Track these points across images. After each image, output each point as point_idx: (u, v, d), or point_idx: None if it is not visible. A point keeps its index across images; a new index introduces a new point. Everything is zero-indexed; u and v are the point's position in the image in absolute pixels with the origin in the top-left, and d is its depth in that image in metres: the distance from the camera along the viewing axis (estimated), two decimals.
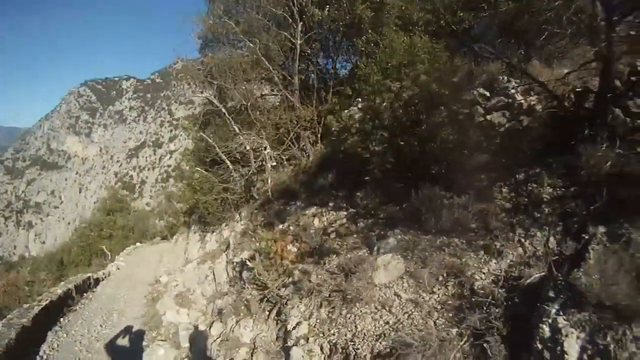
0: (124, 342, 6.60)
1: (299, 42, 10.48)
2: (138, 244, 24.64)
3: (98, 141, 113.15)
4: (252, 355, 3.96)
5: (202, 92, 11.90)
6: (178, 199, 15.52)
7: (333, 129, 7.00)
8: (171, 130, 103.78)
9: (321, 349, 3.03)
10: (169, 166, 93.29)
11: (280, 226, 4.88)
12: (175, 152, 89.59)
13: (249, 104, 10.13)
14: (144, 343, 6.43)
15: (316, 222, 4.90)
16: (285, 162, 8.37)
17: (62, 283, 10.80)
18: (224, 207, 9.78)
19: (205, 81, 11.56)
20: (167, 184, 77.51)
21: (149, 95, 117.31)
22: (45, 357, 6.33)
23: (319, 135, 10.18)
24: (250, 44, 10.64)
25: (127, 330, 6.94)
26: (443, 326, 2.65)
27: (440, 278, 3.06)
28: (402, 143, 4.88)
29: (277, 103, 11.51)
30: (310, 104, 10.81)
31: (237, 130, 9.74)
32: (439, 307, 2.85)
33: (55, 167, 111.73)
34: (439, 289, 2.99)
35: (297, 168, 8.09)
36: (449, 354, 2.38)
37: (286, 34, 10.76)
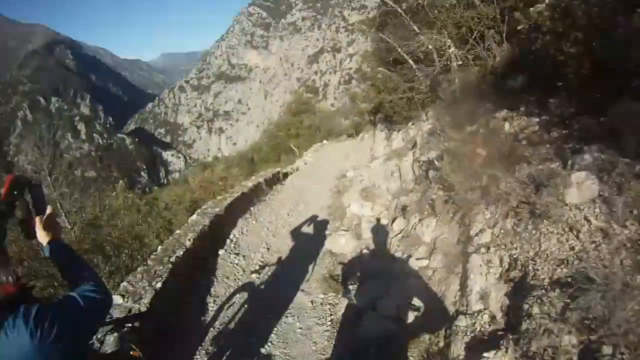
0: (308, 229, 6.93)
1: None
2: (325, 141, 25.33)
3: (276, 52, 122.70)
4: (430, 255, 4.07)
5: None
6: (362, 100, 16.10)
7: (520, 27, 6.02)
8: (348, 35, 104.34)
9: (500, 261, 2.94)
10: (349, 69, 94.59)
11: (469, 128, 4.64)
12: (355, 55, 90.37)
13: (425, 2, 9.36)
14: (327, 231, 6.81)
15: (506, 126, 4.56)
16: (471, 62, 7.70)
17: (253, 177, 11.51)
18: (409, 106, 9.76)
19: None
20: (350, 85, 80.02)
21: (319, 5, 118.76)
22: (234, 240, 6.86)
23: (504, 35, 8.87)
24: None
25: (312, 218, 7.28)
26: (629, 268, 2.26)
27: (635, 212, 2.55)
28: (595, 47, 3.90)
29: (455, 1, 10.31)
30: (491, 1, 9.29)
31: (417, 30, 9.29)
32: (628, 244, 2.39)
33: (238, 79, 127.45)
34: (632, 224, 2.51)
35: (483, 69, 7.35)
36: (628, 304, 2.03)
37: None
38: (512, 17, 7.17)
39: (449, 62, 7.81)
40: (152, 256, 5.10)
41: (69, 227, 9.43)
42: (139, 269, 4.74)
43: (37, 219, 1.61)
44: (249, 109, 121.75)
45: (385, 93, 10.99)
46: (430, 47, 8.41)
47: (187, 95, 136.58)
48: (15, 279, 1.37)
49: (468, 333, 2.75)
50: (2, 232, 1.41)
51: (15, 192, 1.51)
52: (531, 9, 6.04)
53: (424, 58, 9.51)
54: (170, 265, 4.78)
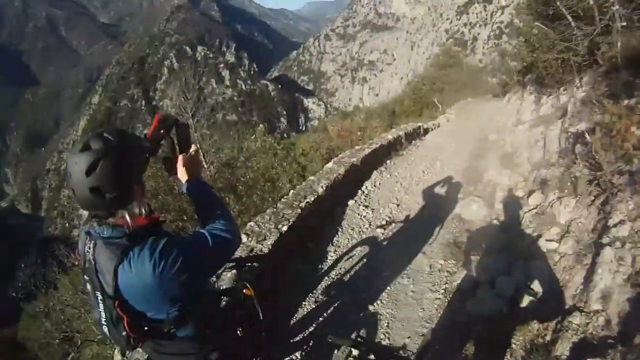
0: (441, 190, 6.65)
1: None
2: (469, 99, 24.08)
3: (424, 1, 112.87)
4: (561, 238, 3.70)
5: None
6: (512, 57, 14.09)
7: None
8: None
9: (633, 261, 2.57)
10: (501, 22, 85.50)
11: (627, 101, 3.86)
12: (507, 7, 78.73)
13: None
14: (460, 195, 6.46)
15: None
16: (636, 24, 6.05)
17: (393, 130, 11.34)
18: (564, 68, 8.40)
19: None
20: (500, 41, 71.40)
21: None
22: (366, 192, 6.84)
23: None
24: None
25: (447, 179, 6.97)
26: None
27: None
28: None
29: None
30: None
31: None
32: None
33: (385, 29, 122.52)
34: None
35: None
36: None
37: None
38: None
39: (611, 23, 6.30)
40: (282, 199, 5.24)
41: (205, 165, 9.82)
42: (267, 210, 4.90)
43: (181, 157, 1.69)
44: (394, 59, 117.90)
45: (539, 51, 9.54)
46: (591, 1, 6.89)
47: (332, 44, 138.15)
48: (148, 211, 1.48)
49: (579, 333, 2.57)
50: (143, 167, 1.51)
51: (162, 131, 1.64)
52: None
53: (584, 15, 7.86)
54: (299, 210, 4.87)
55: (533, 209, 4.74)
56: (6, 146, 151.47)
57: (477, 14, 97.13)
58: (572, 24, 7.30)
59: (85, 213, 1.50)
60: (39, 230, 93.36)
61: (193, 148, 1.72)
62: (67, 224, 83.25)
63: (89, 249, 1.44)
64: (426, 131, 12.97)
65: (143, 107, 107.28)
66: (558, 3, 7.29)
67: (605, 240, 2.91)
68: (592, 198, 3.54)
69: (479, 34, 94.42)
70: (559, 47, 7.72)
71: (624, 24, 5.85)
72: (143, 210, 1.45)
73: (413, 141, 10.79)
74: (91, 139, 1.36)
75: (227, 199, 7.23)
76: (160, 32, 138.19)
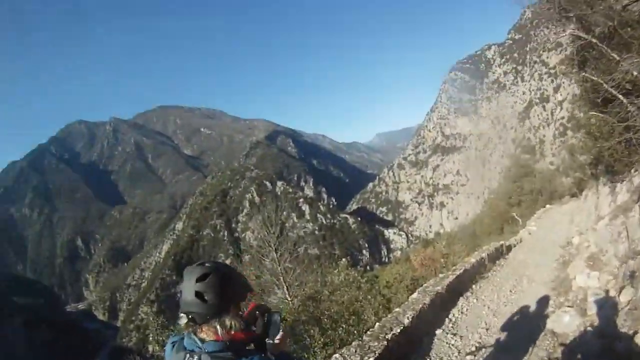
0: (530, 307, 6.51)
1: None
2: (547, 205, 23.85)
3: (486, 115, 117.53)
4: None
5: (563, 31, 10.79)
6: (580, 151, 13.94)
7: None
8: (552, 80, 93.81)
9: None
10: (562, 118, 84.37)
11: None
12: (564, 101, 79.85)
13: (615, 22, 8.28)
14: (550, 309, 6.26)
15: None
16: None
17: (476, 252, 11.35)
18: (629, 150, 8.27)
19: (561, 17, 10.47)
20: (566, 137, 70.07)
21: (516, 55, 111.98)
22: (453, 319, 6.75)
23: None
24: None
25: (535, 295, 6.84)
26: None
27: None
28: None
29: None
30: None
31: (616, 57, 8.16)
32: None
33: (454, 150, 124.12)
34: None
35: None
36: None
37: None
38: None
39: None
40: (368, 332, 5.28)
41: (288, 298, 10.17)
42: (353, 343, 4.97)
43: (271, 341, 1.88)
44: (468, 179, 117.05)
45: (601, 140, 9.57)
46: (635, 73, 7.33)
47: (406, 172, 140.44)
48: (245, 328, 1.71)
49: None
50: (242, 296, 1.79)
51: (257, 313, 1.94)
52: None
53: (633, 88, 8.19)
54: (385, 342, 4.89)
55: (626, 306, 4.34)
56: (90, 254, 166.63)
57: (537, 115, 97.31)
58: (624, 100, 7.37)
59: (182, 322, 1.73)
60: (113, 338, 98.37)
61: (280, 334, 1.89)
62: (142, 338, 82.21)
63: None
64: (509, 248, 12.79)
65: (225, 238, 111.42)
66: (605, 85, 7.55)
67: None
68: None
69: (544, 135, 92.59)
70: (619, 130, 7.58)
71: None
72: (235, 324, 1.66)
73: (497, 261, 10.70)
74: (206, 262, 1.74)
75: (311, 331, 7.36)
76: (240, 166, 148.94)
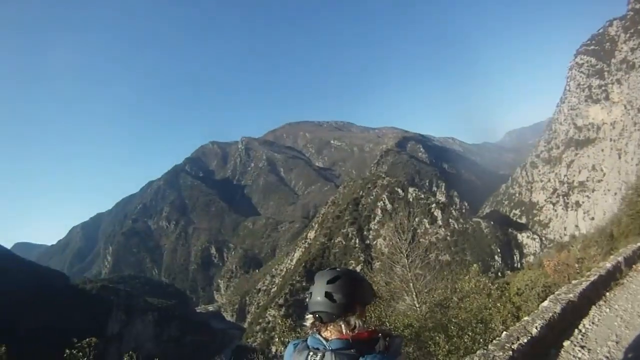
0: None
1: None
2: None
3: (618, 100, 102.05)
4: None
5: None
6: None
7: None
8: None
9: None
10: None
11: None
12: None
13: None
14: None
15: None
16: None
17: (612, 257, 10.48)
18: None
19: None
20: None
21: None
22: (583, 330, 6.35)
23: None
24: None
25: None
26: None
27: None
28: None
29: None
30: None
31: None
32: None
33: (588, 143, 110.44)
34: None
35: None
36: None
37: None
38: None
39: None
40: (494, 341, 5.17)
41: (417, 305, 10.12)
42: (477, 352, 4.89)
43: None
44: (604, 174, 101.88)
45: None
46: None
47: (539, 171, 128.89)
48: (368, 328, 1.81)
49: None
50: (368, 300, 1.92)
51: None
52: None
53: None
54: (510, 352, 4.76)
55: None
56: (223, 261, 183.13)
57: None
58: None
59: (308, 323, 1.88)
60: (238, 338, 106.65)
61: (402, 357, 1.87)
62: (266, 340, 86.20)
63: None
64: None
65: (356, 246, 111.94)
66: None
67: None
68: None
69: None
70: None
71: None
72: (359, 323, 1.78)
73: (634, 265, 9.80)
74: (337, 267, 1.90)
75: (437, 338, 7.32)
76: (371, 175, 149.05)
